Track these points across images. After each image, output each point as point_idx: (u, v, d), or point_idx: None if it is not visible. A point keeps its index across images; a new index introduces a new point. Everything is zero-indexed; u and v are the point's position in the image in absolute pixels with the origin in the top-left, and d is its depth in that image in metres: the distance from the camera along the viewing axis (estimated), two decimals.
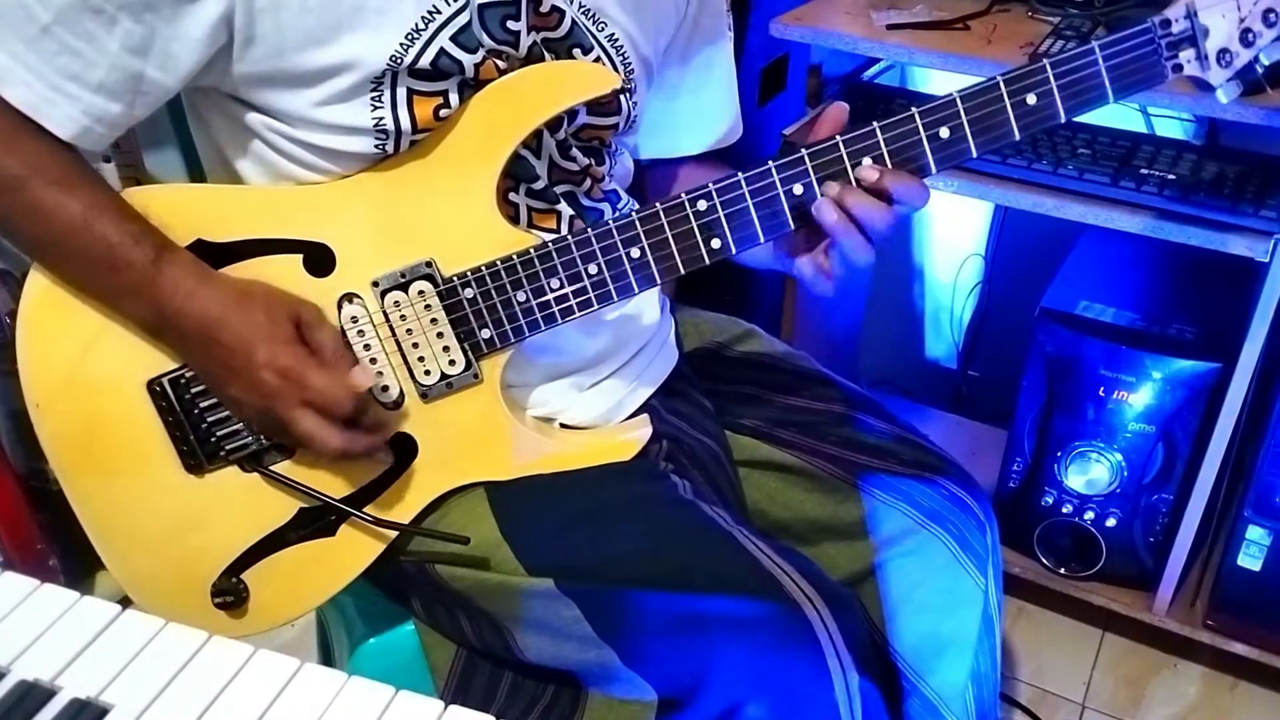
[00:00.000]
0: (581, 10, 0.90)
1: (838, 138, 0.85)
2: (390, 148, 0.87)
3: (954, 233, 2.06)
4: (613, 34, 0.92)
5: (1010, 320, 1.91)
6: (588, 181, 0.98)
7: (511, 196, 0.93)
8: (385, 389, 0.92)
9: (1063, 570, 1.66)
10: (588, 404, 1.01)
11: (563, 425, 1.01)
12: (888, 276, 2.13)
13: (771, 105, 1.72)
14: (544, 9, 0.88)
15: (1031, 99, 0.83)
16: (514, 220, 0.93)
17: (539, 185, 0.94)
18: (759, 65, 1.65)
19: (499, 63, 0.87)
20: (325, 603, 1.11)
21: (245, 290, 0.86)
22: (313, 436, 0.85)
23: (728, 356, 1.17)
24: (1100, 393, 1.52)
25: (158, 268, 0.84)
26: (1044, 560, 1.66)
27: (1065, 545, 1.65)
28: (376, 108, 0.85)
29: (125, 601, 0.93)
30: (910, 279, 2.16)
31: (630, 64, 0.95)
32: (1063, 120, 0.84)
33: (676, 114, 1.09)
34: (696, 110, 1.10)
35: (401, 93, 0.85)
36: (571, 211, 0.96)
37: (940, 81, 1.78)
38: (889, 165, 0.85)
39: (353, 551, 0.95)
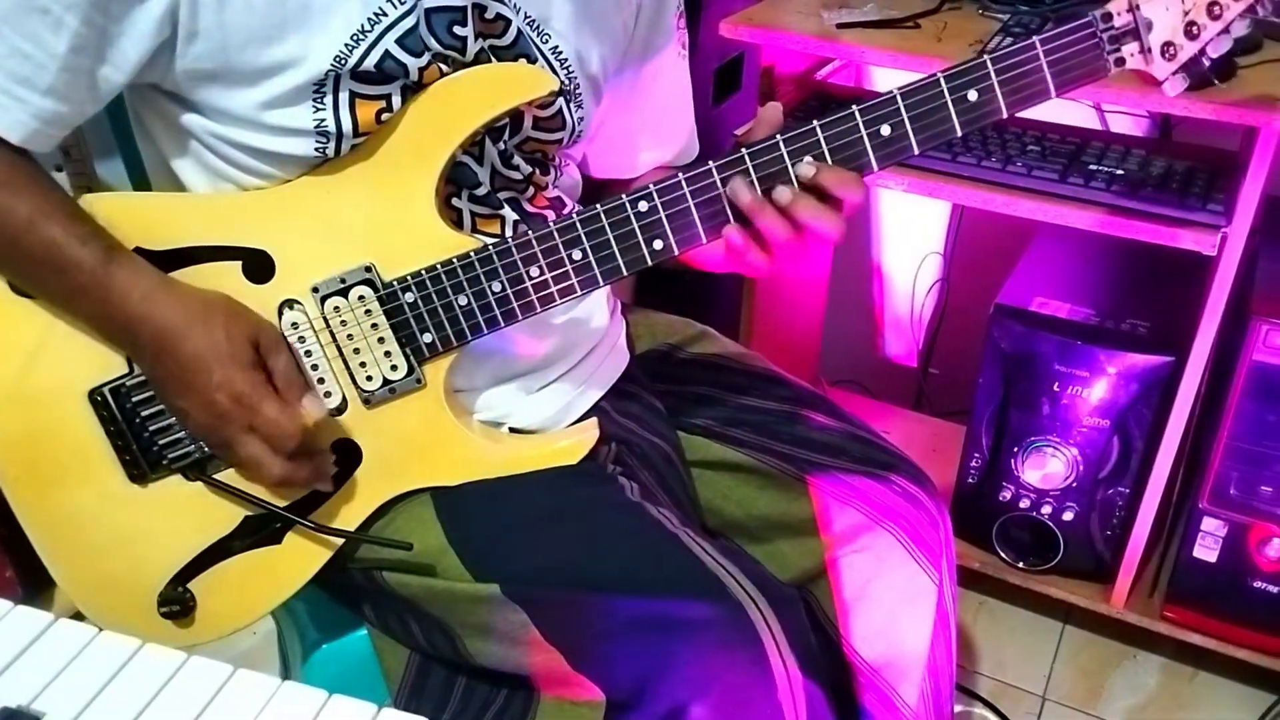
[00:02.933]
0: (527, 21, 0.90)
1: (778, 136, 0.84)
2: (330, 151, 0.86)
3: (913, 230, 2.07)
4: (557, 47, 0.92)
5: (969, 317, 1.92)
6: (531, 189, 0.98)
7: (454, 201, 0.93)
8: (328, 395, 0.91)
9: (1021, 564, 1.67)
10: (536, 407, 1.01)
11: (511, 429, 1.00)
12: (848, 275, 2.14)
13: (727, 105, 1.72)
14: (489, 16, 0.88)
15: (973, 95, 0.83)
16: (457, 225, 0.93)
17: (481, 191, 0.94)
18: (713, 66, 1.65)
19: (444, 67, 0.87)
20: (278, 610, 1.10)
21: (207, 303, 0.86)
22: (257, 462, 0.85)
23: (681, 358, 1.17)
24: (1055, 388, 1.53)
25: (108, 269, 0.84)
26: (1003, 554, 1.68)
27: (1024, 539, 1.66)
28: (318, 109, 0.84)
29: (80, 614, 0.92)
30: (870, 277, 2.17)
31: (575, 78, 0.95)
32: (1004, 115, 0.84)
33: (628, 135, 1.09)
34: (647, 132, 1.11)
35: (344, 95, 0.84)
36: (515, 216, 0.96)
37: (895, 80, 1.78)
38: (829, 163, 0.84)
39: (299, 559, 0.94)
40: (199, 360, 0.84)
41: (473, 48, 0.88)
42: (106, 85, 0.82)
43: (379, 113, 0.86)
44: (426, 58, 0.85)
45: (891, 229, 2.11)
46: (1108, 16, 0.82)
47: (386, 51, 0.84)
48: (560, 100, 0.94)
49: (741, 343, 1.66)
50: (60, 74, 0.80)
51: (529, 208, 0.98)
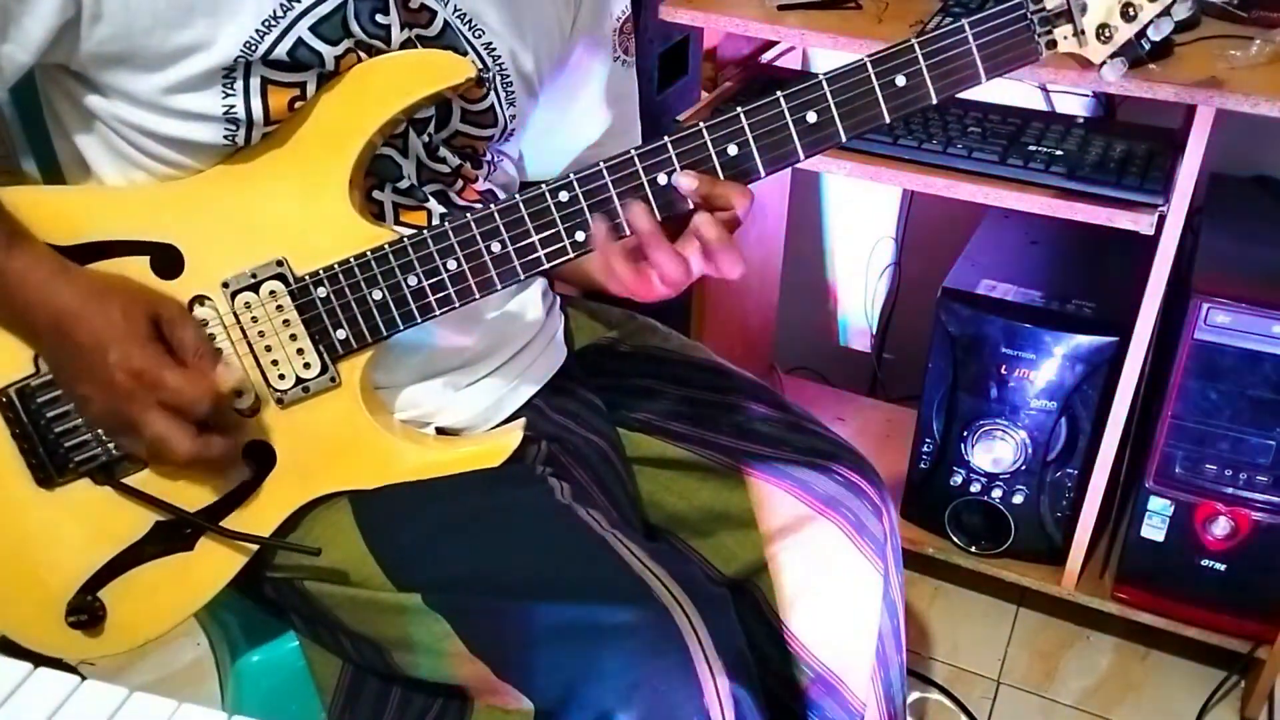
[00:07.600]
0: (457, 14, 0.88)
1: (700, 124, 0.82)
2: (240, 139, 0.84)
3: (865, 215, 2.06)
4: (490, 43, 0.90)
5: (922, 301, 1.91)
6: (460, 182, 0.95)
7: (376, 194, 0.91)
8: (240, 394, 0.88)
9: (974, 548, 1.67)
10: (464, 404, 0.98)
11: (438, 428, 0.98)
12: (800, 261, 2.12)
13: (673, 90, 1.69)
14: (413, 5, 0.86)
15: (900, 80, 0.80)
16: (379, 218, 0.90)
17: (405, 184, 0.92)
18: (657, 50, 1.62)
19: (363, 55, 0.84)
20: (208, 623, 1.07)
21: (103, 285, 0.83)
22: (165, 440, 0.81)
23: (621, 351, 1.15)
24: (1003, 371, 1.52)
25: (8, 254, 0.81)
26: (956, 539, 1.67)
27: (975, 523, 1.66)
28: (228, 95, 0.82)
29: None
30: (823, 263, 2.15)
31: (508, 75, 0.92)
32: (934, 102, 0.81)
33: (554, 138, 1.06)
34: (576, 138, 1.07)
35: (255, 81, 0.82)
36: (443, 209, 0.93)
37: (840, 62, 1.76)
38: (754, 150, 0.82)
39: (212, 566, 0.91)
40: (95, 341, 0.81)
41: (398, 37, 0.85)
42: (12, 64, 0.80)
43: (292, 100, 0.83)
44: (345, 46, 0.83)
45: (844, 214, 2.09)
46: None
47: (300, 39, 0.81)
48: (492, 96, 0.92)
49: (693, 334, 1.65)
50: None
51: (458, 200, 0.95)
